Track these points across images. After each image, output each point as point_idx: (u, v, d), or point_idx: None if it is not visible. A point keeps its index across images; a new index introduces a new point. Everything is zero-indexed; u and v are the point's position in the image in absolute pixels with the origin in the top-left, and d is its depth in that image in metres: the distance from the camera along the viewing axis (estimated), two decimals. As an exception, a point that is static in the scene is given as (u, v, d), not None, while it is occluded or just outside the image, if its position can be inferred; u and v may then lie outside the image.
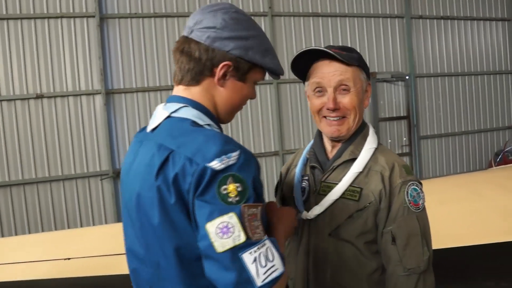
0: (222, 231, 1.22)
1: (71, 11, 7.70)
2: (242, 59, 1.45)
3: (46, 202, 7.69)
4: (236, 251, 1.22)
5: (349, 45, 9.17)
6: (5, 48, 7.43)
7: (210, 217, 1.23)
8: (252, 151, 8.72)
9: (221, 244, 1.22)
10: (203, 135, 1.33)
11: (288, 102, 9.01)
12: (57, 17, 7.62)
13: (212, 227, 1.22)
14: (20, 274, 5.18)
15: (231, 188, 1.24)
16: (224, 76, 1.45)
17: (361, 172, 1.81)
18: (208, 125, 1.42)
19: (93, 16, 7.77)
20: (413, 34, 10.04)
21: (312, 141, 2.01)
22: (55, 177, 7.69)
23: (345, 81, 1.78)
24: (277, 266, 1.25)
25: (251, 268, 1.22)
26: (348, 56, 1.79)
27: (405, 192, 1.75)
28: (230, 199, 1.24)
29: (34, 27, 7.52)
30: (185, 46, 1.46)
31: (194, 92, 1.47)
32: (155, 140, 1.39)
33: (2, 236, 7.45)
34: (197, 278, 1.33)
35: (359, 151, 1.84)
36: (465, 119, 10.71)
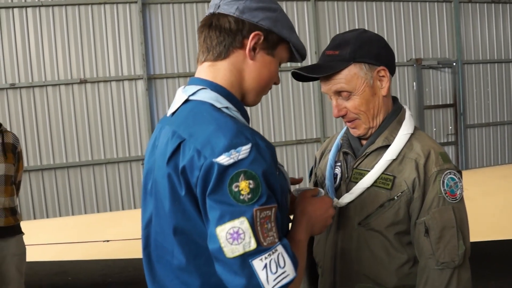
0: (233, 237, 1.18)
1: (114, -3, 7.81)
2: (271, 31, 1.42)
3: (89, 185, 7.87)
4: (246, 257, 1.18)
5: (395, 32, 9.12)
6: (50, 35, 7.61)
7: (221, 221, 1.18)
8: (294, 137, 8.77)
9: (231, 250, 1.18)
10: (215, 123, 1.27)
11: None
12: (100, 3, 7.74)
13: (223, 232, 1.18)
14: (60, 255, 5.33)
15: (243, 185, 1.19)
16: (254, 48, 1.41)
17: (394, 160, 1.72)
18: (226, 107, 1.36)
19: (136, 2, 7.87)
20: (461, 19, 9.74)
21: (346, 126, 1.93)
22: (97, 161, 7.87)
23: (340, 88, 1.72)
24: (288, 272, 1.21)
25: (261, 274, 1.18)
26: (338, 58, 1.71)
27: (441, 182, 1.66)
28: (242, 197, 1.18)
29: (78, 14, 7.67)
30: (213, 20, 1.42)
31: (220, 68, 1.42)
32: (171, 126, 1.36)
33: (47, 217, 7.67)
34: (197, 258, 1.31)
35: (394, 137, 1.76)
36: (515, 108, 10.36)
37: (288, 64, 8.50)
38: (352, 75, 1.70)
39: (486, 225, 4.51)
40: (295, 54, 1.51)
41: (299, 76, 1.77)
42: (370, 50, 1.73)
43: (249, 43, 1.40)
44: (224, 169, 1.19)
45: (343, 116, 1.78)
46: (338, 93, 1.73)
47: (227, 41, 1.40)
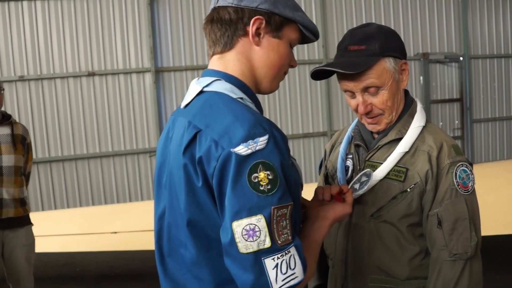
0: (248, 234, 1.18)
1: (122, -10, 7.82)
2: (272, 13, 1.39)
3: (96, 177, 7.91)
4: (259, 255, 1.19)
5: (402, 26, 9.09)
6: (59, 28, 7.63)
7: (238, 216, 1.18)
8: (300, 131, 8.77)
9: (245, 246, 1.18)
10: (232, 114, 1.27)
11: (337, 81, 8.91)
12: (108, -4, 7.75)
13: (239, 227, 1.18)
14: (68, 246, 5.37)
15: (262, 176, 1.19)
16: (258, 33, 1.40)
17: (407, 152, 1.73)
18: (241, 98, 1.36)
19: (144, -5, 7.87)
20: (469, 13, 9.70)
21: (357, 119, 1.93)
22: (105, 153, 7.92)
23: (371, 84, 1.69)
24: (297, 274, 1.22)
25: (271, 273, 1.19)
26: (368, 53, 1.68)
27: (454, 174, 1.67)
28: (261, 188, 1.18)
29: (86, 6, 7.70)
30: (214, 15, 1.42)
31: (229, 59, 1.41)
32: (186, 117, 1.36)
33: (55, 208, 7.71)
34: (210, 250, 1.31)
35: (406, 130, 1.76)
36: (521, 103, 10.32)
37: (296, 57, 8.50)
38: (382, 70, 1.69)
39: (492, 220, 4.52)
40: (304, 32, 1.47)
41: (318, 74, 1.76)
42: (395, 43, 1.74)
43: (251, 29, 1.38)
44: (242, 159, 1.19)
45: (366, 113, 1.75)
46: (366, 89, 1.71)
47: (230, 32, 1.40)
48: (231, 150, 1.20)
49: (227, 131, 1.23)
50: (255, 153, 1.19)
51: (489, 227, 4.30)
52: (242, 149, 1.19)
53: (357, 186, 1.74)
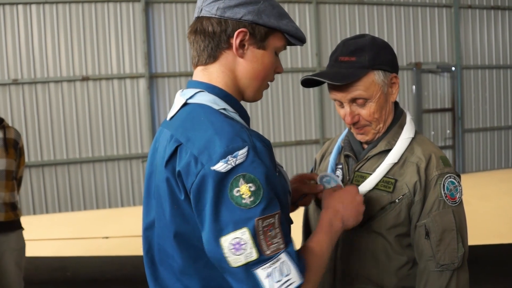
0: (235, 247, 1.20)
1: (118, -5, 7.83)
2: (257, 24, 1.38)
3: (89, 182, 7.90)
4: (248, 267, 1.20)
5: (395, 35, 9.18)
6: (54, 32, 7.63)
7: (224, 231, 1.20)
8: (293, 138, 8.81)
9: (234, 259, 1.20)
10: (212, 128, 1.27)
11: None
12: (104, 2, 7.77)
13: (226, 242, 1.20)
14: (59, 251, 5.34)
15: (244, 189, 1.20)
16: (242, 45, 1.39)
17: (396, 163, 1.75)
18: (224, 109, 1.37)
19: (139, 1, 7.90)
20: (461, 24, 9.79)
21: (347, 129, 1.94)
22: (98, 158, 7.90)
23: (358, 95, 1.71)
24: (294, 279, 1.23)
25: (265, 282, 1.21)
26: (357, 65, 1.69)
27: (442, 185, 1.69)
28: (244, 201, 1.20)
29: (81, 11, 7.70)
30: (197, 25, 1.42)
31: (213, 71, 1.41)
32: (170, 129, 1.37)
33: (47, 212, 7.68)
34: (197, 261, 1.33)
35: (395, 141, 1.78)
36: (512, 113, 10.41)
37: (289, 65, 8.53)
38: (370, 82, 1.70)
39: (483, 229, 4.54)
40: (290, 40, 1.47)
41: (308, 81, 1.77)
42: (386, 57, 1.75)
43: (235, 41, 1.38)
44: (223, 176, 1.20)
45: (354, 123, 1.78)
46: (353, 100, 1.73)
47: (213, 44, 1.39)
48: (211, 168, 1.21)
49: (207, 146, 1.23)
50: (235, 167, 1.20)
51: (479, 237, 4.32)
52: (221, 166, 1.20)
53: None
